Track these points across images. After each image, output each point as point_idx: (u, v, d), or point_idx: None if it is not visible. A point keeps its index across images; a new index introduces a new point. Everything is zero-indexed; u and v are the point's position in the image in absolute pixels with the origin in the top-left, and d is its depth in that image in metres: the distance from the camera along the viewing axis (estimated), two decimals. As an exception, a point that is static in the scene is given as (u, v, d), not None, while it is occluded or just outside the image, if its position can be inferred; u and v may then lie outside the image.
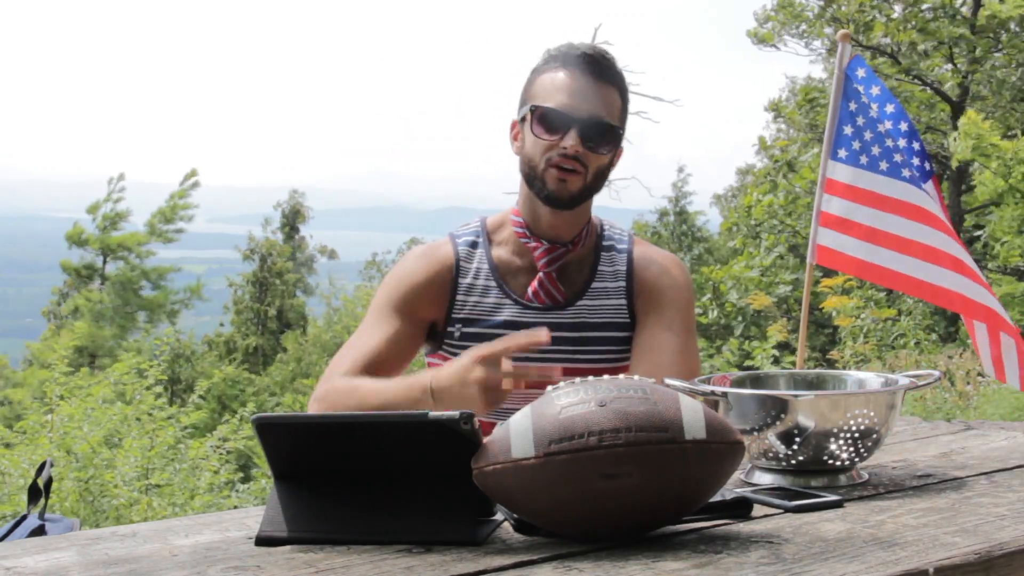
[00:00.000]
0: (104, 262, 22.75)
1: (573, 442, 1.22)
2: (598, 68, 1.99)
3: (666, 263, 2.11)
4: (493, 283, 2.05)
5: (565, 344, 2.02)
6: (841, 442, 1.54)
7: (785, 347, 9.98)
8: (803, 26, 16.74)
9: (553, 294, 2.04)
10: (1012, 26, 14.83)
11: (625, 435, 1.22)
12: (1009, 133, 13.80)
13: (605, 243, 2.11)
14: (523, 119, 2.03)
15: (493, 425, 1.94)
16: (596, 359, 2.04)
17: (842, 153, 3.02)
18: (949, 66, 15.81)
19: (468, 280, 2.06)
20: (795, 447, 1.54)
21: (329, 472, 1.33)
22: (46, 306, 23.00)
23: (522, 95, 2.06)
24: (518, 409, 1.32)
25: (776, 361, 9.52)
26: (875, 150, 2.94)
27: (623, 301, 2.06)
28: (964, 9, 15.66)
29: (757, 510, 1.41)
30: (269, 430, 1.31)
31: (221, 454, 6.96)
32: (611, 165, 2.06)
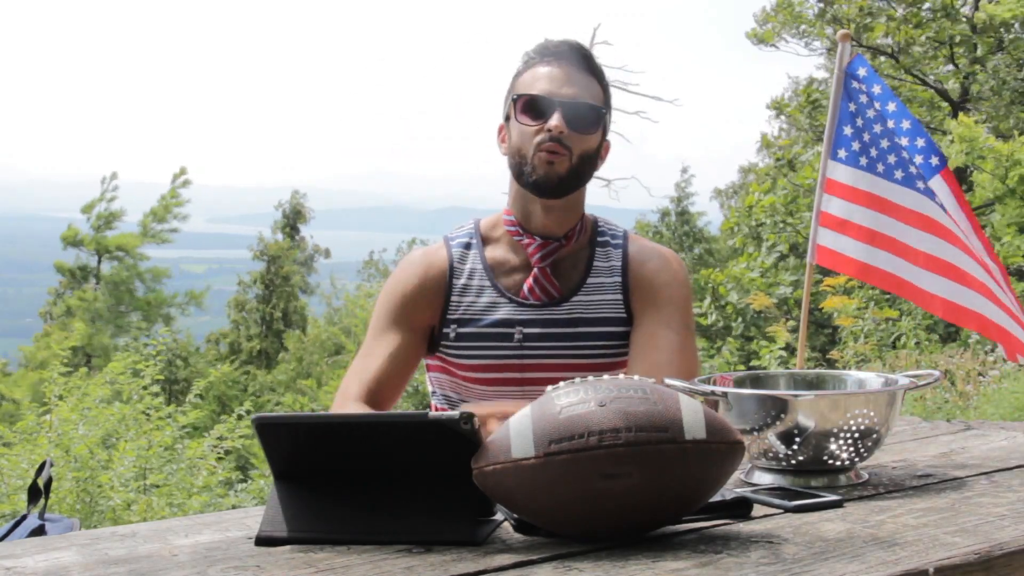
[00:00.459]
0: (99, 262, 22.76)
1: (573, 442, 1.22)
2: (576, 57, 2.04)
3: (663, 258, 2.11)
4: (487, 283, 2.06)
5: (561, 340, 2.03)
6: (841, 442, 1.54)
7: (785, 347, 9.97)
8: (803, 26, 16.74)
9: (548, 290, 2.04)
10: (1016, 26, 14.83)
11: (625, 435, 1.22)
12: (1005, 135, 13.80)
13: (600, 239, 2.12)
14: (507, 116, 2.06)
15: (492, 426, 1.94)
16: (592, 354, 2.04)
17: (842, 153, 3.02)
18: (950, 66, 15.81)
19: (463, 281, 2.07)
20: (795, 447, 1.54)
21: (329, 472, 1.33)
22: (43, 307, 22.99)
23: (505, 97, 2.10)
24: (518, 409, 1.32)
25: (784, 363, 9.52)
26: (873, 152, 2.93)
27: (619, 296, 2.06)
28: (965, 9, 15.66)
29: (757, 510, 1.41)
30: (269, 430, 1.31)
31: (219, 453, 6.96)
32: (599, 155, 2.07)
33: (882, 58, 15.79)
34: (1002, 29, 14.91)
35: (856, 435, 1.54)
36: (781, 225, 15.80)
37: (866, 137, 2.98)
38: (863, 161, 2.97)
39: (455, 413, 1.25)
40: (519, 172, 2.02)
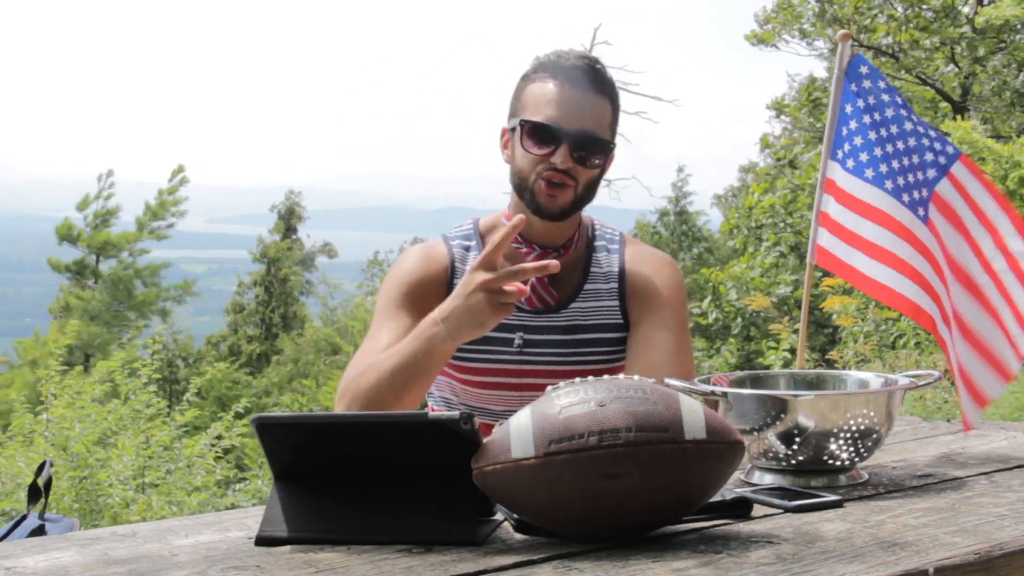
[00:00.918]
0: (97, 260, 22.75)
1: (573, 442, 1.22)
2: (588, 79, 1.98)
3: (658, 263, 2.11)
4: None
5: (559, 347, 2.03)
6: (841, 442, 1.54)
7: (788, 349, 9.98)
8: (805, 25, 16.74)
9: (545, 298, 2.04)
10: (1018, 27, 14.83)
11: (625, 435, 1.22)
12: (1005, 136, 13.80)
13: (597, 243, 2.11)
14: (513, 130, 2.02)
15: (492, 426, 1.94)
16: (590, 360, 2.04)
17: (840, 154, 3.01)
18: (952, 67, 15.81)
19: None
20: (795, 447, 1.54)
21: (329, 472, 1.33)
22: (50, 303, 22.96)
23: (512, 104, 2.06)
24: (519, 409, 1.32)
25: (787, 364, 9.52)
26: (863, 156, 2.93)
27: (615, 302, 2.06)
28: (966, 9, 15.66)
29: (757, 510, 1.41)
30: (269, 430, 1.31)
31: (217, 452, 6.95)
32: (602, 174, 2.05)
33: (882, 58, 15.80)
34: (1004, 30, 14.91)
35: (856, 435, 1.54)
36: (781, 225, 15.81)
37: (858, 141, 2.97)
38: (850, 164, 2.97)
39: (455, 413, 1.25)
40: (520, 193, 2.01)
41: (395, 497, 1.30)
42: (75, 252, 22.77)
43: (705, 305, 15.81)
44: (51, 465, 2.08)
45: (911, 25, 15.26)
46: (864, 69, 3.04)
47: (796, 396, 1.55)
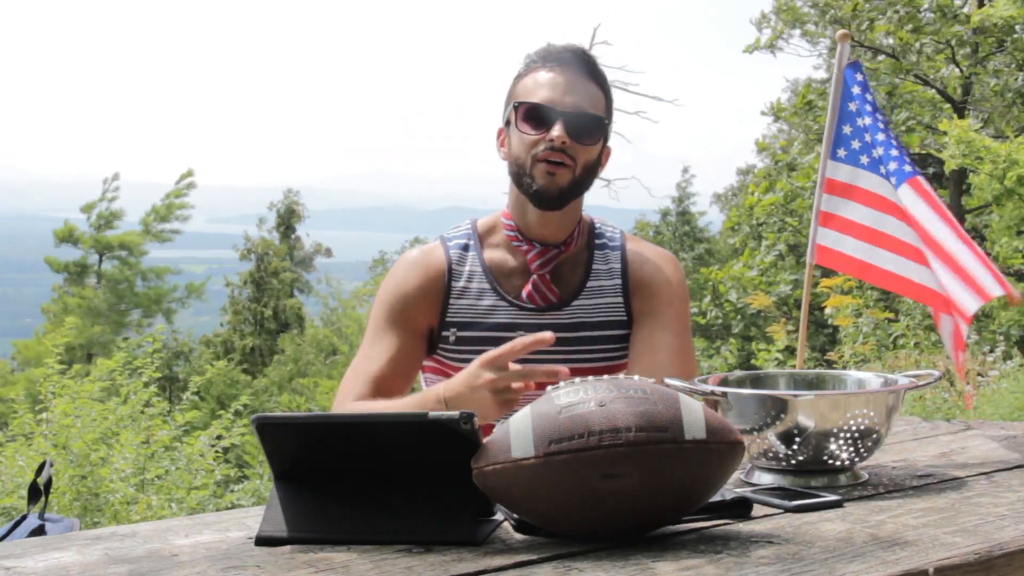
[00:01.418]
0: (100, 261, 22.75)
1: (573, 442, 1.22)
2: (579, 64, 2.01)
3: (661, 260, 2.11)
4: (487, 285, 2.05)
5: (563, 345, 2.01)
6: (841, 442, 1.54)
7: (785, 348, 9.98)
8: (808, 25, 16.73)
9: (548, 296, 2.04)
10: (1017, 28, 14.83)
11: (625, 435, 1.22)
12: (1002, 136, 13.80)
13: (598, 241, 2.11)
14: (508, 121, 2.03)
15: (492, 426, 1.94)
16: (595, 358, 2.04)
17: (841, 152, 3.01)
18: (952, 67, 15.81)
19: (461, 284, 2.05)
20: (795, 447, 1.54)
21: (329, 472, 1.33)
22: (46, 303, 22.95)
23: (505, 102, 2.06)
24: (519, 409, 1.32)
25: (781, 364, 9.52)
26: (877, 152, 2.93)
27: (619, 299, 2.06)
28: (966, 9, 15.65)
29: (757, 510, 1.41)
30: (269, 430, 1.31)
31: (217, 452, 6.96)
32: (599, 163, 2.05)
33: (882, 57, 15.79)
34: (1004, 30, 14.91)
35: (856, 435, 1.54)
36: (781, 224, 15.81)
37: (867, 137, 2.97)
38: (864, 160, 2.97)
39: (455, 413, 1.25)
40: (519, 181, 2.01)
41: (395, 497, 1.30)
42: (75, 252, 22.78)
43: (705, 304, 15.81)
44: (51, 465, 2.08)
45: (908, 27, 15.26)
46: (859, 76, 3.05)
47: (796, 396, 1.55)
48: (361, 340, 2.13)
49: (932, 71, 15.87)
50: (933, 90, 15.96)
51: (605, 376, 1.31)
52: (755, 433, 1.55)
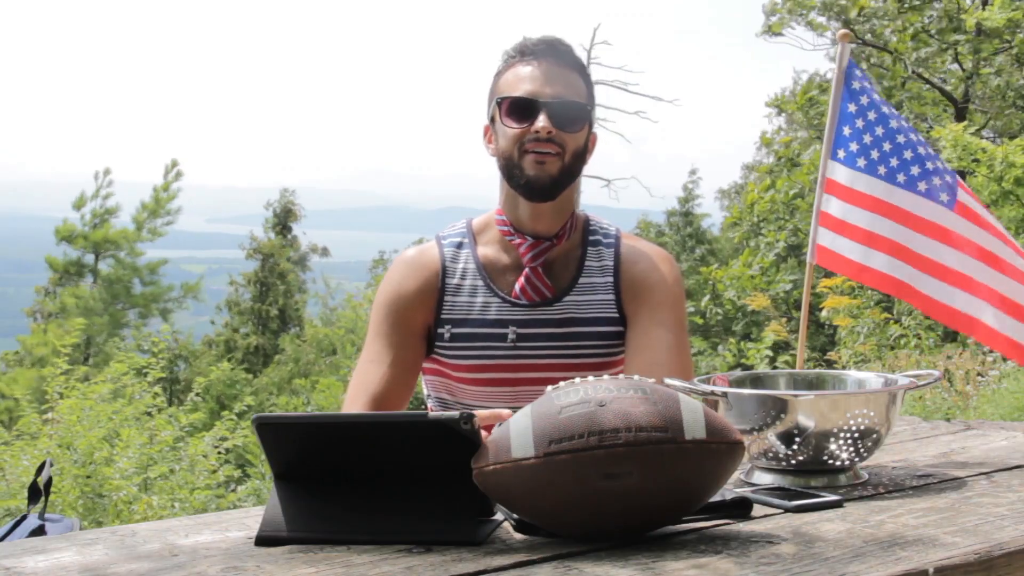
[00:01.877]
0: (96, 259, 22.70)
1: (573, 442, 1.22)
2: (555, 54, 2.03)
3: (655, 257, 2.11)
4: (480, 282, 2.06)
5: (554, 340, 2.03)
6: (841, 442, 1.54)
7: (784, 347, 9.99)
8: (813, 15, 16.72)
9: (540, 289, 2.04)
10: (1017, 29, 14.82)
11: (625, 435, 1.22)
12: (1011, 135, 13.79)
13: (591, 238, 2.12)
14: (492, 118, 2.05)
15: (492, 426, 1.94)
16: (585, 354, 2.04)
17: (841, 154, 3.01)
18: (954, 66, 15.80)
19: (455, 281, 2.07)
20: (795, 447, 1.54)
21: (329, 472, 1.33)
22: (30, 305, 22.88)
23: (488, 98, 2.08)
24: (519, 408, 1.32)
25: (771, 360, 9.52)
26: (875, 154, 2.93)
27: (611, 296, 2.06)
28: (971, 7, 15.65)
29: (757, 510, 1.41)
30: (269, 430, 1.31)
31: (220, 452, 6.96)
32: (587, 149, 2.06)
33: (886, 57, 15.79)
34: (1005, 31, 14.90)
35: (856, 435, 1.54)
36: (782, 222, 15.81)
37: (867, 139, 2.97)
38: (861, 163, 2.97)
39: (455, 413, 1.25)
40: (509, 174, 2.02)
41: (395, 497, 1.30)
42: (72, 251, 22.73)
43: (704, 303, 15.79)
44: (51, 465, 2.08)
45: (909, 33, 15.25)
46: (859, 74, 3.05)
47: (796, 396, 1.55)
48: (361, 339, 2.15)
49: (935, 70, 15.86)
50: (935, 91, 15.96)
51: (605, 376, 1.31)
52: (755, 433, 1.55)
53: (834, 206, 3.02)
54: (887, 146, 2.91)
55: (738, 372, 1.80)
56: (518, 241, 2.04)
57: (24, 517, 2.01)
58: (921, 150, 2.90)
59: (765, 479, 1.60)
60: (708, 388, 1.60)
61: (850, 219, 2.98)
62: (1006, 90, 15.16)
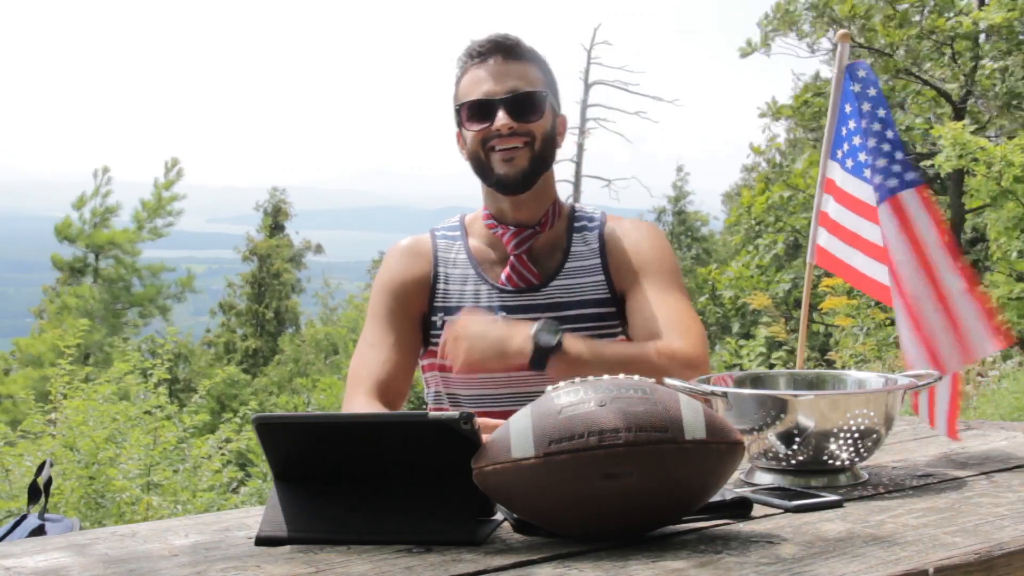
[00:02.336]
0: (96, 259, 22.66)
1: (573, 442, 1.22)
2: (504, 50, 2.06)
3: (638, 229, 2.14)
4: (471, 271, 2.11)
5: None
6: (841, 442, 1.54)
7: (778, 345, 9.99)
8: (804, 26, 16.73)
9: (526, 276, 2.08)
10: (1017, 28, 14.82)
11: (625, 435, 1.22)
12: (1010, 135, 13.79)
13: (577, 224, 2.15)
14: (458, 124, 2.09)
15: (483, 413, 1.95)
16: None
17: (840, 154, 3.02)
18: (953, 66, 15.80)
19: (447, 270, 2.12)
20: (795, 447, 1.54)
21: (329, 472, 1.33)
22: (37, 305, 22.85)
23: (453, 106, 2.11)
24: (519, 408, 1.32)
25: (764, 356, 9.51)
26: (862, 156, 2.94)
27: (600, 277, 2.09)
28: (967, 6, 15.64)
29: (757, 510, 1.41)
30: (269, 430, 1.31)
31: (224, 454, 6.96)
32: (556, 132, 2.10)
33: (882, 57, 15.78)
34: (1004, 32, 14.90)
35: (856, 435, 1.54)
36: (780, 224, 15.82)
37: (856, 140, 2.98)
38: (849, 163, 2.98)
39: (455, 413, 1.25)
40: (482, 175, 2.08)
41: (395, 497, 1.30)
42: (74, 250, 22.70)
43: (703, 302, 15.78)
44: (51, 465, 2.08)
45: (892, 24, 15.24)
46: (862, 72, 3.05)
47: (796, 396, 1.55)
48: (358, 337, 2.17)
49: (936, 68, 15.85)
50: (933, 90, 15.96)
51: (605, 376, 1.31)
52: (755, 433, 1.55)
53: (831, 206, 3.02)
54: (872, 145, 2.91)
55: (738, 372, 1.80)
56: (501, 232, 2.09)
57: (24, 517, 2.01)
58: (884, 157, 2.90)
59: (765, 479, 1.60)
60: (708, 388, 1.60)
61: (838, 219, 2.98)
62: (1004, 90, 15.14)
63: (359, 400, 2.02)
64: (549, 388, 1.31)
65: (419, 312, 2.11)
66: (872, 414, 1.54)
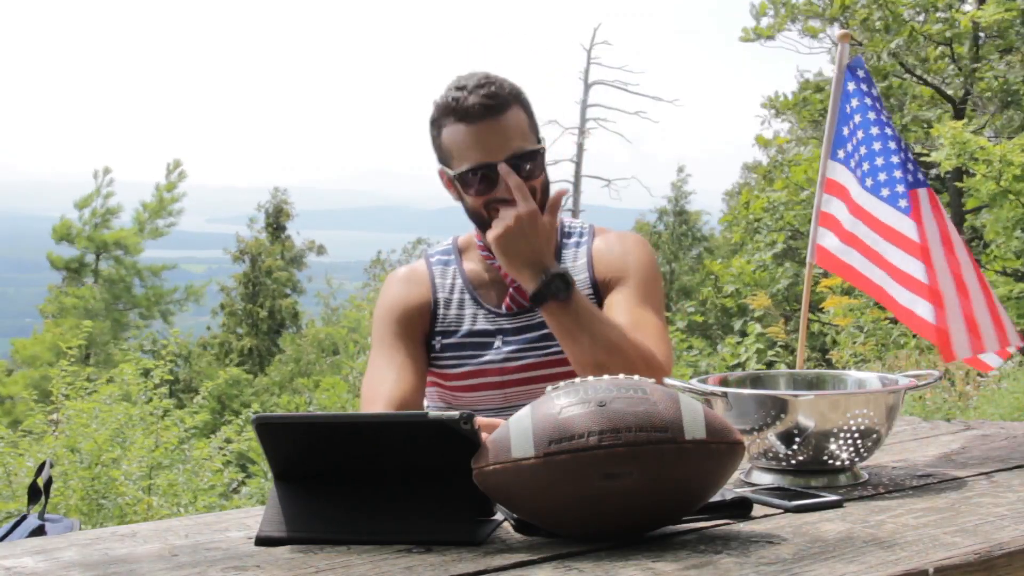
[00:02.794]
0: (97, 259, 22.64)
1: (573, 442, 1.22)
2: (490, 105, 1.96)
3: (623, 242, 2.14)
4: (467, 295, 2.13)
5: (540, 342, 2.07)
6: (841, 442, 1.54)
7: (773, 343, 9.98)
8: (811, 22, 16.71)
9: (520, 300, 2.10)
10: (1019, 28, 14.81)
11: (625, 435, 1.22)
12: (1010, 135, 13.78)
13: (566, 241, 2.17)
14: (452, 179, 2.03)
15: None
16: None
17: (840, 154, 3.02)
18: (952, 66, 15.79)
19: (444, 295, 2.14)
20: (795, 447, 1.54)
21: (329, 472, 1.33)
22: (42, 303, 22.82)
23: (435, 151, 2.06)
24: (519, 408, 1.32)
25: (761, 354, 9.51)
26: (856, 156, 2.94)
27: (590, 291, 2.10)
28: (965, 7, 15.64)
29: (757, 510, 1.41)
30: (269, 430, 1.31)
31: (226, 455, 6.96)
32: (547, 176, 2.07)
33: (885, 56, 15.78)
34: (1004, 32, 14.89)
35: (856, 435, 1.54)
36: (780, 222, 15.81)
37: (854, 140, 2.98)
38: (853, 164, 2.98)
39: (455, 413, 1.25)
40: (483, 228, 2.02)
41: (395, 497, 1.30)
42: (73, 251, 22.67)
43: (705, 292, 15.76)
44: (51, 465, 2.08)
45: (879, 24, 15.24)
46: (861, 73, 3.05)
47: (796, 396, 1.55)
48: (363, 338, 2.17)
49: (936, 68, 15.83)
50: (932, 90, 15.95)
51: (605, 376, 1.31)
52: (755, 433, 1.55)
53: (833, 206, 3.02)
54: (863, 149, 2.92)
55: (738, 372, 1.80)
56: (498, 264, 2.08)
57: (24, 517, 2.01)
58: (894, 158, 2.89)
59: (765, 479, 1.60)
60: (708, 388, 1.60)
61: (840, 220, 2.98)
62: (1004, 90, 15.13)
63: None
64: (549, 388, 1.31)
65: (423, 335, 2.13)
66: (872, 414, 1.54)
